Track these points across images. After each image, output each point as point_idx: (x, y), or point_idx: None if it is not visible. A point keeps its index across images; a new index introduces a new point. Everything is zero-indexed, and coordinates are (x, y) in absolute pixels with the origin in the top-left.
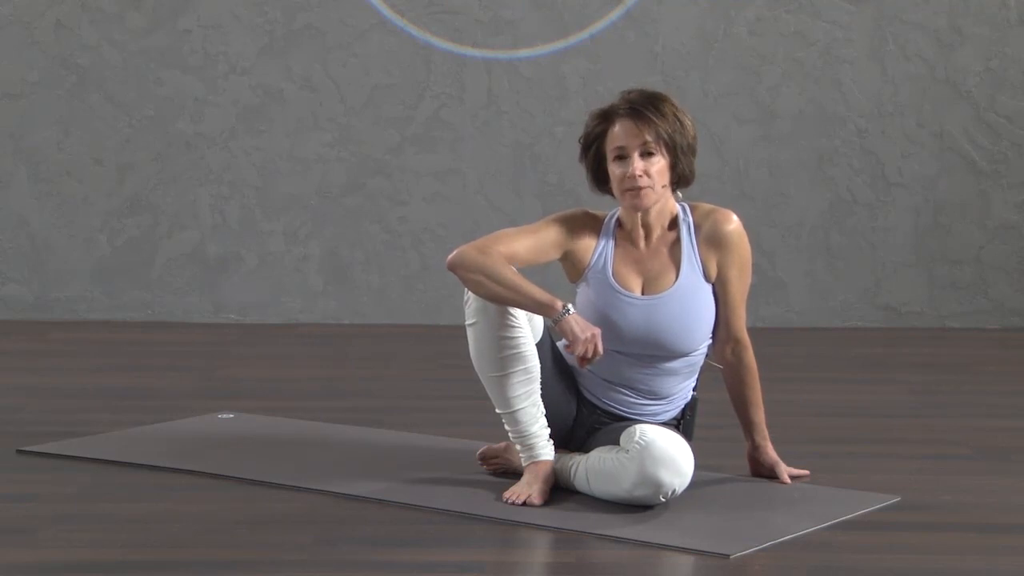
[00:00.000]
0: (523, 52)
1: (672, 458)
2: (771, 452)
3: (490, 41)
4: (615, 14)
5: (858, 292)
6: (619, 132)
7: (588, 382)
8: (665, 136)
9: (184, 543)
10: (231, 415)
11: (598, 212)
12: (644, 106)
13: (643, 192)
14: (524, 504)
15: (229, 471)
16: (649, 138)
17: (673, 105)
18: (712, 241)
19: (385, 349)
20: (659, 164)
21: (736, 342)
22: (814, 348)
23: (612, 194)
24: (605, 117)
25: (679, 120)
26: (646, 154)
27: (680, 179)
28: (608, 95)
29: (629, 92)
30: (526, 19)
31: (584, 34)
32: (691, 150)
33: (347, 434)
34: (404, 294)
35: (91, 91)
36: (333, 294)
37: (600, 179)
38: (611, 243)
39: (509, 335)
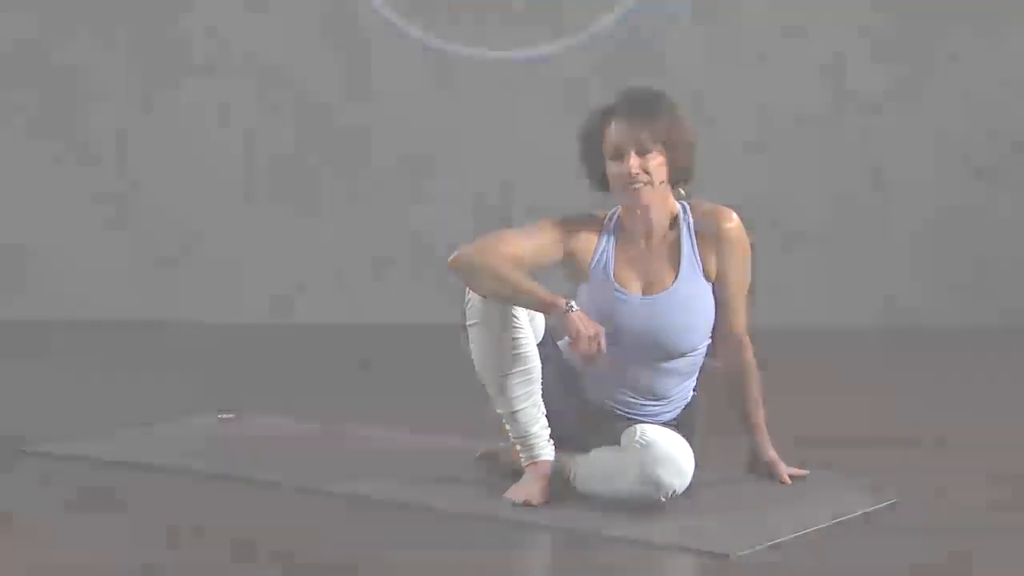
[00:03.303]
0: (523, 52)
1: (673, 458)
2: (771, 452)
3: (489, 41)
4: (615, 14)
5: (858, 292)
6: (614, 132)
7: (588, 382)
8: (661, 134)
9: (184, 543)
10: (231, 415)
11: (598, 213)
12: (638, 106)
13: (642, 188)
14: (524, 504)
15: (229, 471)
16: (643, 137)
17: (669, 103)
18: (712, 239)
19: (386, 349)
20: (656, 160)
21: (736, 341)
22: (814, 348)
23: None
24: (602, 117)
25: (675, 117)
26: (642, 151)
27: (679, 175)
28: (608, 95)
29: (627, 90)
30: (526, 19)
31: (584, 34)
32: (689, 146)
33: (347, 434)
34: (405, 294)
35: None
36: (333, 294)
37: (599, 178)
38: (612, 243)
39: (510, 336)
